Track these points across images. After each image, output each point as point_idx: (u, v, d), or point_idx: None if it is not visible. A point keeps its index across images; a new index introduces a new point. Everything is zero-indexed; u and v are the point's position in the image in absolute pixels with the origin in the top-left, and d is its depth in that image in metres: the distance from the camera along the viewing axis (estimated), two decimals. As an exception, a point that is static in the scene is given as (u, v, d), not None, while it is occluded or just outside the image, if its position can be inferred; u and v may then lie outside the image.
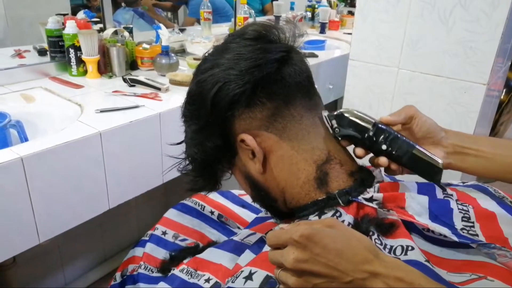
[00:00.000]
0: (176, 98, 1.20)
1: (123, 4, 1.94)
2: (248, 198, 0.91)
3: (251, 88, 0.53)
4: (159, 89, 1.23)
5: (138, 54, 1.45)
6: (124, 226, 1.62)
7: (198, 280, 0.63)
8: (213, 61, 0.56)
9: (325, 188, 0.55)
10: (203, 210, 0.88)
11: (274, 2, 2.36)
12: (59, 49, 1.31)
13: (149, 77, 1.28)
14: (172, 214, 0.88)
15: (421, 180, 0.62)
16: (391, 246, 0.50)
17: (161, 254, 0.80)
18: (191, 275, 0.66)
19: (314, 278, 0.43)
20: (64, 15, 1.36)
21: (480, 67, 0.97)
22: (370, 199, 0.55)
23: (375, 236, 0.51)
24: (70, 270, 1.46)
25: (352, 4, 2.98)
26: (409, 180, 0.62)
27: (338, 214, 0.54)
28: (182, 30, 1.88)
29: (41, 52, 1.37)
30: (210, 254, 0.68)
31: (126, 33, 1.46)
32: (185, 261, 0.73)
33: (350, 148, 0.61)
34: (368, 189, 0.56)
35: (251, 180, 0.59)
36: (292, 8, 2.69)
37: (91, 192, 0.96)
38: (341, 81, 1.30)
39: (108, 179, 0.98)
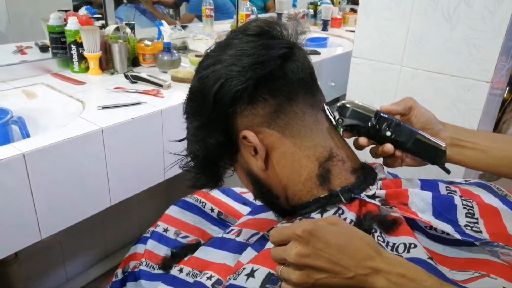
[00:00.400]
0: (178, 95, 1.19)
1: (125, 0, 1.94)
2: (249, 196, 0.91)
3: (254, 85, 0.53)
4: (161, 85, 1.23)
5: (140, 51, 1.44)
6: (125, 223, 1.62)
7: (200, 278, 0.63)
8: (215, 57, 0.55)
9: (327, 185, 0.55)
10: (204, 207, 0.88)
11: (276, -1, 2.36)
12: (61, 46, 1.31)
13: (151, 74, 1.27)
14: (173, 211, 0.88)
15: (424, 177, 0.62)
16: (394, 244, 0.50)
17: (163, 251, 0.80)
18: (196, 277, 0.66)
19: (316, 273, 0.43)
20: (66, 11, 1.36)
21: (484, 65, 0.97)
22: (373, 196, 0.55)
23: (378, 233, 0.51)
24: (71, 266, 1.46)
25: (355, 2, 2.97)
26: (411, 177, 0.62)
27: (340, 211, 0.53)
28: (184, 27, 1.88)
29: (43, 49, 1.36)
30: (213, 256, 0.68)
31: (128, 30, 1.45)
32: (185, 258, 0.73)
33: (352, 147, 0.61)
34: (370, 186, 0.56)
35: (253, 177, 0.59)
36: (294, 5, 2.68)
37: (93, 189, 0.96)
38: (343, 79, 1.30)
39: (110, 175, 0.98)
